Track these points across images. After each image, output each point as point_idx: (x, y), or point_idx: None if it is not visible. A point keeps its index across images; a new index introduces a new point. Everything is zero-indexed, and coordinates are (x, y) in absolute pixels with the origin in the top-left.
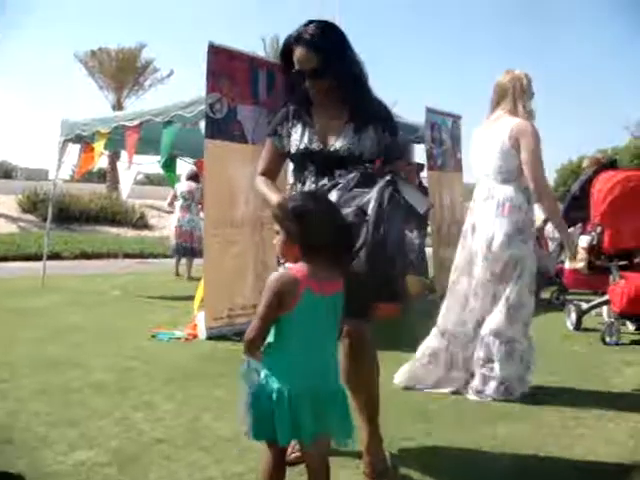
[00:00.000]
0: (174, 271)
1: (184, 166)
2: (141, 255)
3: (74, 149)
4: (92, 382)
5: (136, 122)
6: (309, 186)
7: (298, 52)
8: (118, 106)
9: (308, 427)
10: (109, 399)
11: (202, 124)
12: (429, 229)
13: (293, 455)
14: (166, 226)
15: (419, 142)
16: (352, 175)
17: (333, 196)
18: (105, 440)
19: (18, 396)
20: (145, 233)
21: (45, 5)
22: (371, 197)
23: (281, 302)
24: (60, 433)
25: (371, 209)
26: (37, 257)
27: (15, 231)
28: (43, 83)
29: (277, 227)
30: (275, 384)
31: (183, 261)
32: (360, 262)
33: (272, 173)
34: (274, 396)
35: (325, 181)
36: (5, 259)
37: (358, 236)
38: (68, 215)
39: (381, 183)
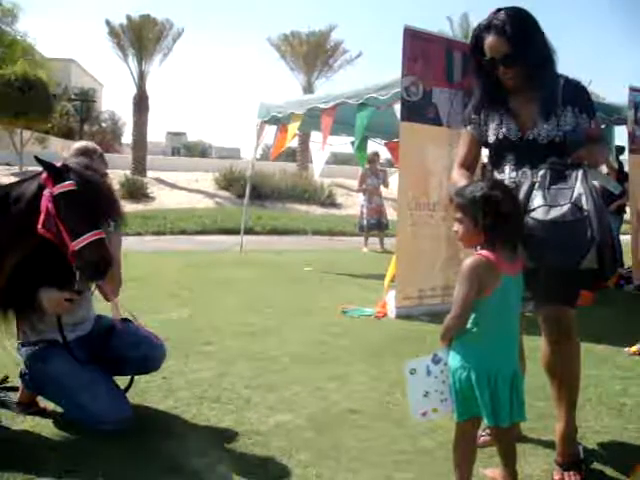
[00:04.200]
0: (364, 248)
1: (375, 147)
2: (330, 232)
3: (269, 130)
4: (288, 352)
5: (331, 104)
6: (509, 174)
7: (489, 40)
8: (308, 87)
9: (507, 406)
10: (305, 369)
11: (396, 107)
12: (627, 216)
13: (482, 439)
14: (352, 205)
15: (620, 123)
16: (542, 172)
17: (538, 196)
18: (302, 407)
19: (223, 359)
20: (333, 211)
21: None
22: (580, 192)
23: (480, 288)
24: (261, 396)
25: (587, 204)
26: (232, 231)
27: (212, 206)
28: (236, 66)
29: (458, 215)
30: (475, 366)
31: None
32: (592, 258)
33: (470, 163)
34: (473, 377)
35: (526, 169)
36: (204, 232)
37: (583, 233)
38: (260, 192)
39: (579, 176)
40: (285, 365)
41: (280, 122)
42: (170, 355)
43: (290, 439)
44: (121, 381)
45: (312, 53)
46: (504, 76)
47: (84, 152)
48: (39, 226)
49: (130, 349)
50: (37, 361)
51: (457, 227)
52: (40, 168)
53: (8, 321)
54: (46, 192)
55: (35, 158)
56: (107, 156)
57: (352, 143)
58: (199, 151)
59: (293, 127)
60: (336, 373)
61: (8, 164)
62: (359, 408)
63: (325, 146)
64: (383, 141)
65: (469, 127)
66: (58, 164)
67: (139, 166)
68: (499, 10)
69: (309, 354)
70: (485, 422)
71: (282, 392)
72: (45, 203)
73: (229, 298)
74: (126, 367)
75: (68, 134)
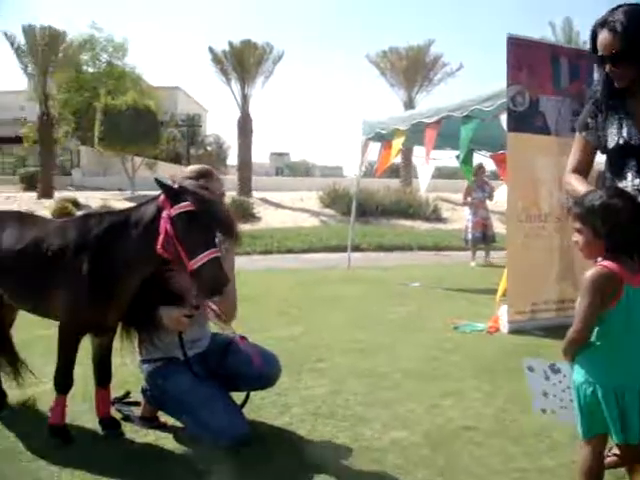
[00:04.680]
0: (471, 262)
1: (480, 160)
2: (436, 247)
3: (373, 147)
4: (400, 368)
5: (435, 118)
6: (632, 181)
7: (600, 36)
8: (409, 102)
9: (637, 423)
10: (418, 385)
11: (502, 117)
12: None
13: (609, 459)
14: (458, 219)
15: None
16: None
17: None
18: (416, 423)
19: (335, 375)
20: (439, 226)
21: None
22: None
23: (604, 300)
24: (375, 412)
25: None
26: (338, 248)
27: (317, 225)
28: (336, 84)
29: (577, 225)
30: (600, 381)
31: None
32: None
33: (583, 169)
34: (599, 393)
35: None
36: (310, 250)
37: None
38: (364, 209)
39: None
40: (397, 381)
41: (384, 138)
42: (283, 372)
43: (406, 456)
44: (236, 397)
45: (412, 68)
46: (612, 75)
47: (202, 174)
48: (158, 247)
49: (245, 366)
50: (157, 378)
51: (577, 237)
52: (151, 192)
53: (130, 339)
54: (164, 214)
55: (155, 180)
56: None
57: (457, 157)
58: (302, 170)
59: (397, 143)
60: (449, 389)
61: (120, 189)
62: (474, 425)
63: (430, 160)
64: (489, 153)
65: (584, 133)
66: (175, 186)
67: (245, 187)
68: (618, 7)
69: (420, 370)
70: (613, 440)
71: (396, 408)
72: (164, 224)
73: (337, 315)
74: (241, 383)
75: (175, 159)
